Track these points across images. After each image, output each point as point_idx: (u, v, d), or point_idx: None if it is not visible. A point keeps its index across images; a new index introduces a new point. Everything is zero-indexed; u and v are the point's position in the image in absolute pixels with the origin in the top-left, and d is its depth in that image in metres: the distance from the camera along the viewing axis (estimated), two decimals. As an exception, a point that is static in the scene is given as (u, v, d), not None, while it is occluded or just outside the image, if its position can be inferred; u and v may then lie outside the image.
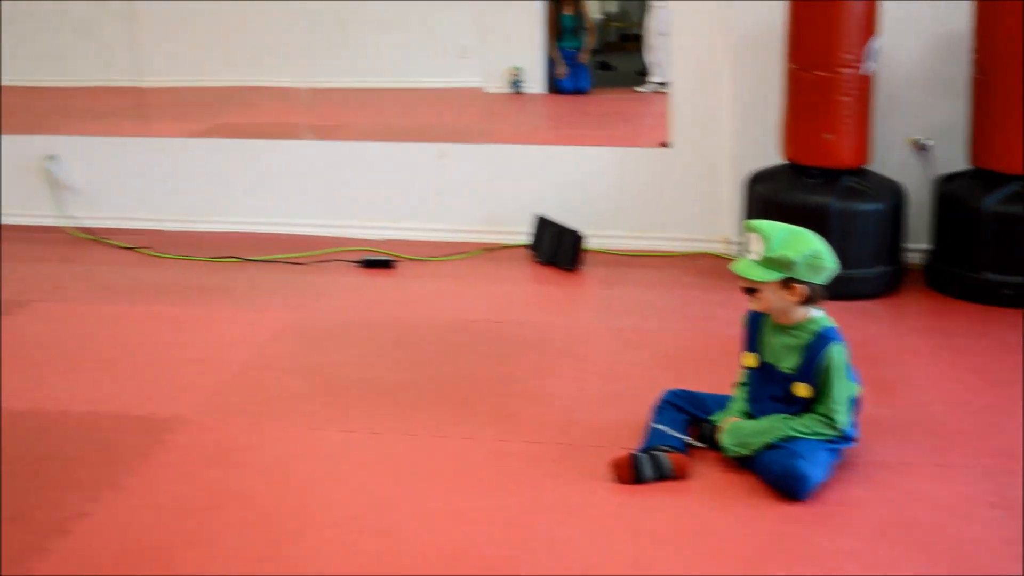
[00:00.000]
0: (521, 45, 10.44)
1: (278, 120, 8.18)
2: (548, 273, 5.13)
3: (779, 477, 2.96)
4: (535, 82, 10.44)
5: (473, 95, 10.00)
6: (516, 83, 10.45)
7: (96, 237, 5.74)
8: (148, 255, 5.44)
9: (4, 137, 6.23)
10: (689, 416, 3.28)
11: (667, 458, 3.06)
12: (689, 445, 3.18)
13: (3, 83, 11.25)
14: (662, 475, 3.04)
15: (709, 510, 2.94)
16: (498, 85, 10.38)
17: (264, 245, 5.53)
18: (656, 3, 10.22)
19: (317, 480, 3.18)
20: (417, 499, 3.04)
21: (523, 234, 5.45)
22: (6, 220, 6.05)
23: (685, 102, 5.36)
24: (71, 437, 3.49)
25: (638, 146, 5.77)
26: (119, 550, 2.84)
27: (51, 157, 5.98)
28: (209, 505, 3.04)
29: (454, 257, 5.34)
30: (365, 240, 5.56)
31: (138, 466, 3.27)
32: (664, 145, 5.53)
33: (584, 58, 10.47)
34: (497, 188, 5.63)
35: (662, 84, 9.65)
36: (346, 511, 2.99)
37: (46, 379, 3.97)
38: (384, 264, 5.19)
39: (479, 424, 3.49)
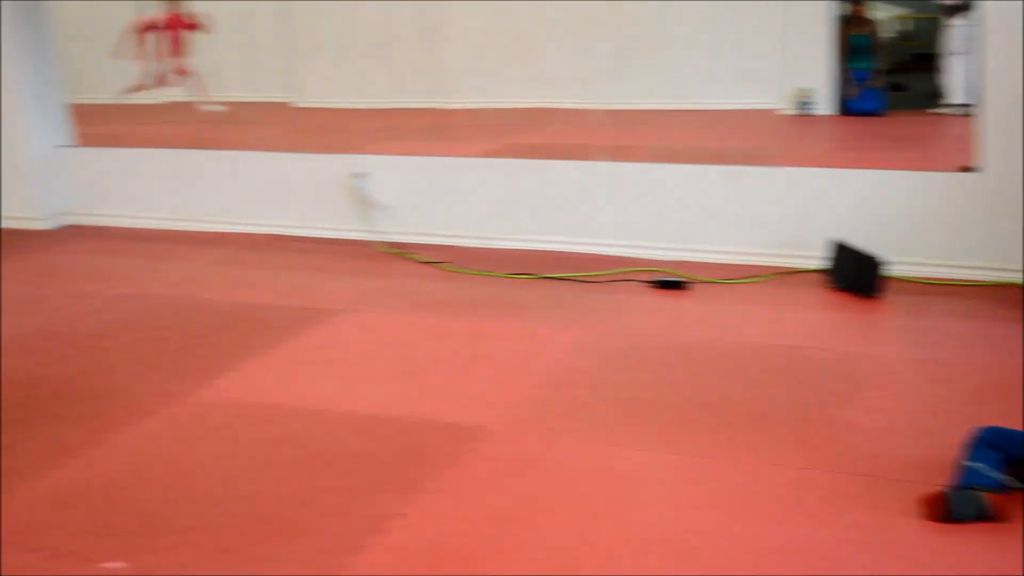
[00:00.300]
0: (810, 66, 10.27)
1: (571, 141, 8.35)
2: (845, 300, 5.02)
3: (1110, 525, 2.80)
4: (825, 103, 10.23)
5: (762, 116, 9.90)
6: (805, 104, 10.27)
7: (400, 251, 6.02)
8: (448, 270, 5.66)
9: (315, 155, 6.63)
10: (1006, 455, 3.13)
11: (985, 498, 2.94)
12: (1008, 486, 3.04)
13: (313, 104, 12.01)
14: (980, 515, 2.92)
15: (1031, 555, 2.81)
16: (787, 107, 10.24)
17: (557, 263, 5.66)
18: (953, 22, 9.83)
19: (616, 497, 3.22)
20: (716, 523, 3.04)
21: (817, 259, 5.35)
22: (319, 234, 6.44)
23: (995, 125, 5.13)
24: (384, 440, 3.67)
25: (937, 170, 5.57)
26: (430, 551, 2.97)
27: (359, 175, 6.31)
28: (513, 515, 3.13)
29: (747, 280, 5.30)
30: (656, 260, 5.60)
31: (446, 472, 3.41)
32: (966, 169, 5.31)
33: (876, 79, 10.18)
34: (790, 211, 5.56)
35: (959, 106, 9.27)
36: (645, 531, 3.02)
37: (358, 384, 4.20)
38: (677, 285, 5.21)
39: (779, 451, 3.46)
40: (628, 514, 3.11)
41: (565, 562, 2.88)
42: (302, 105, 12.12)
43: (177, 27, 11.21)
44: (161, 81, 11.26)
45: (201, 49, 11.44)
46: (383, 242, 6.17)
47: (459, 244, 6.09)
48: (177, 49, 11.24)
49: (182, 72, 11.23)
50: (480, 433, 3.67)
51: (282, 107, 12.01)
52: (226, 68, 11.76)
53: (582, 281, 5.37)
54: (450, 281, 5.50)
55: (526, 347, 4.52)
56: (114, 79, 12.89)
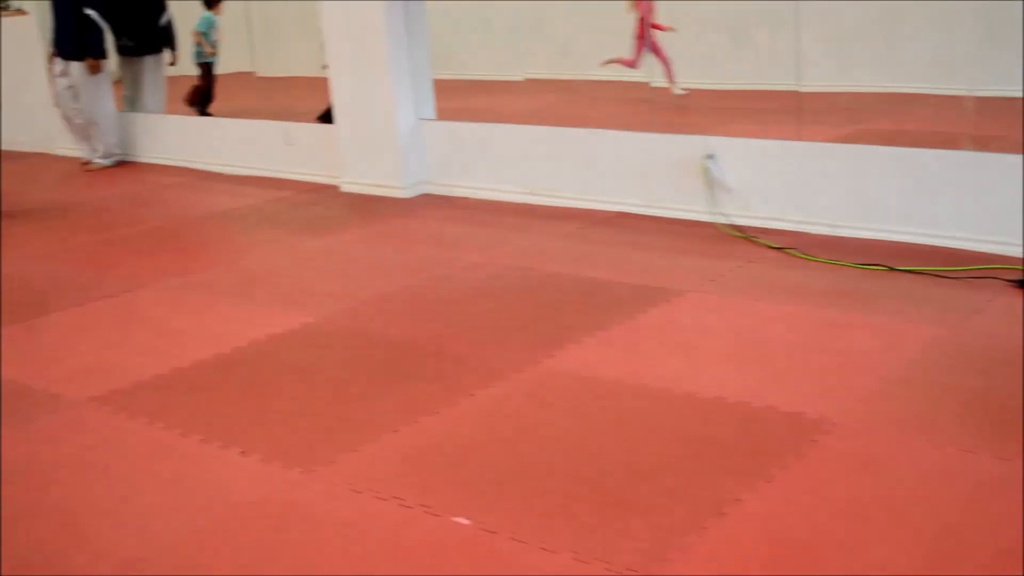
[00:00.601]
0: None
1: (930, 128, 7.97)
2: None
3: None
4: None
5: None
6: None
7: (745, 235, 5.94)
8: (794, 256, 5.55)
9: (665, 135, 6.65)
10: None
11: None
12: None
13: (657, 85, 12.00)
14: None
15: None
16: None
17: (911, 255, 5.42)
18: None
19: (970, 506, 3.06)
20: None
21: None
22: (665, 214, 6.47)
23: None
24: (725, 424, 3.66)
25: None
26: (768, 540, 2.94)
27: (709, 156, 6.27)
28: (857, 512, 3.05)
29: None
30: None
31: (789, 461, 3.36)
32: None
33: None
34: None
35: None
36: (1008, 545, 2.85)
37: (700, 366, 4.20)
38: (1046, 286, 4.87)
39: None
40: (984, 525, 2.95)
41: (915, 567, 2.77)
42: (656, 85, 12.16)
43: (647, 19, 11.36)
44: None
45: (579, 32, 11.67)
46: (729, 225, 6.12)
47: (807, 231, 5.94)
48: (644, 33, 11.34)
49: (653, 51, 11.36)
50: (824, 425, 3.59)
51: (638, 86, 12.09)
52: (580, 46, 11.98)
53: (939, 276, 5.11)
54: (797, 268, 5.39)
55: (875, 341, 4.36)
56: (473, 57, 13.44)
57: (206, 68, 10.68)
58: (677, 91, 10.69)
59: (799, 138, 6.51)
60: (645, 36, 10.95)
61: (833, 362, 4.17)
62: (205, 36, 10.53)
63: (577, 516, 3.11)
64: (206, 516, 3.26)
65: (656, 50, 10.99)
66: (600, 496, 3.22)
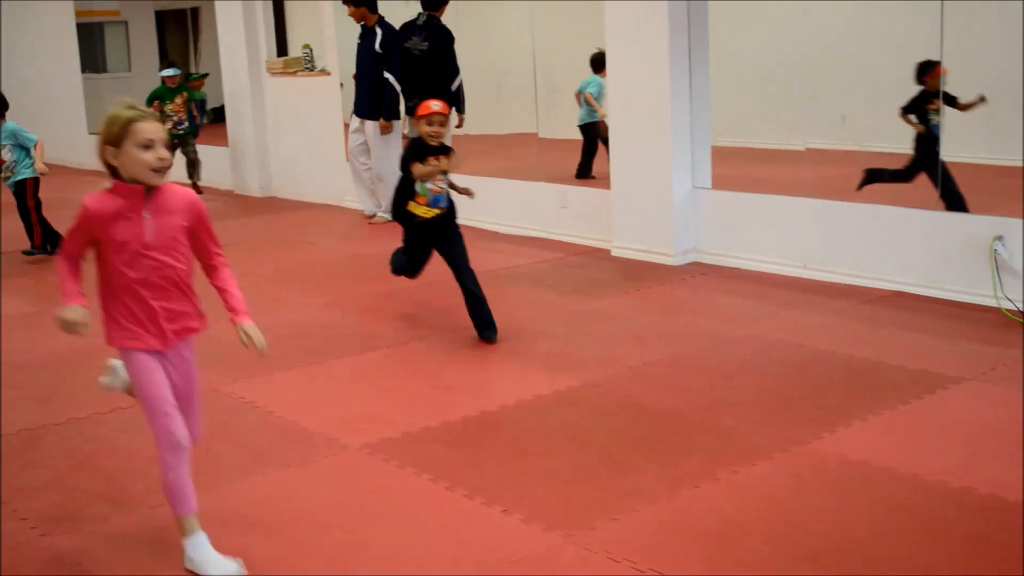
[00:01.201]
0: None
1: None
2: None
3: None
4: None
5: None
6: None
7: (1031, 321, 5.65)
8: (1086, 348, 5.22)
9: (950, 214, 6.40)
10: None
11: None
12: None
13: (966, 160, 11.52)
14: None
15: None
16: None
17: None
18: None
19: None
20: None
21: None
22: (944, 295, 6.21)
23: None
24: (1004, 525, 3.47)
25: None
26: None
27: (998, 237, 6.00)
28: None
29: None
30: None
31: (1074, 573, 3.15)
32: None
33: None
34: None
35: None
36: None
37: (978, 460, 4.01)
38: None
39: None
40: None
41: None
42: (949, 159, 11.71)
43: None
44: None
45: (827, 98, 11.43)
46: (1015, 311, 5.82)
47: (1104, 322, 5.59)
48: None
49: None
50: (1117, 536, 3.35)
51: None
52: (860, 115, 11.72)
53: None
54: (1088, 361, 5.07)
55: None
56: (755, 124, 13.33)
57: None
58: None
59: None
60: None
61: None
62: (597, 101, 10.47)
63: (839, 609, 3.02)
64: (467, 571, 3.35)
65: None
66: (865, 590, 3.11)
